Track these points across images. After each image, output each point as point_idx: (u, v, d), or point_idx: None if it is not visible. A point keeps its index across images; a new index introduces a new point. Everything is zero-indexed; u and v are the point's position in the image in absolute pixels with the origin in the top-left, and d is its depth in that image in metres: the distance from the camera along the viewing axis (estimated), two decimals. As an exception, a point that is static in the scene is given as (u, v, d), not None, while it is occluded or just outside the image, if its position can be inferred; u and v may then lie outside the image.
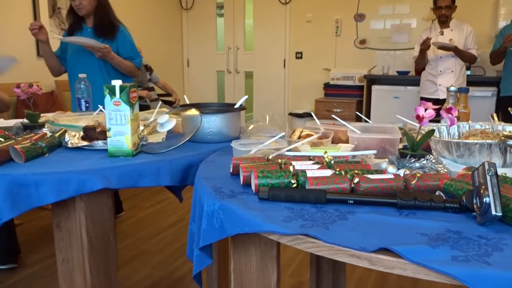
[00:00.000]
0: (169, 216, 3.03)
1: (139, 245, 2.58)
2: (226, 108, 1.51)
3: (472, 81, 3.83)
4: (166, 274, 2.23)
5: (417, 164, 0.94)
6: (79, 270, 1.17)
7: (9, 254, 2.28)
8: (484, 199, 0.68)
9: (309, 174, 0.86)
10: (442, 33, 3.57)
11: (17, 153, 1.12)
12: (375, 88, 4.48)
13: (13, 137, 1.27)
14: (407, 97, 4.32)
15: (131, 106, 1.18)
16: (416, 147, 0.97)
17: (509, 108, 1.33)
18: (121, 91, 1.17)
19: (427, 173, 0.90)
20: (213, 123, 1.40)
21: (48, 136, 1.28)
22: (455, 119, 0.92)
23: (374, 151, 1.03)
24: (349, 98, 4.66)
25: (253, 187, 0.87)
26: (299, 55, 5.34)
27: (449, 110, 0.92)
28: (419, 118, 0.93)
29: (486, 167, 0.69)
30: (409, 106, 4.21)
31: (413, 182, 0.84)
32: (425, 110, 0.93)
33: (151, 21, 5.25)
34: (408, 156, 0.95)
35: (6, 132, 1.31)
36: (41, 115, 1.59)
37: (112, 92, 1.17)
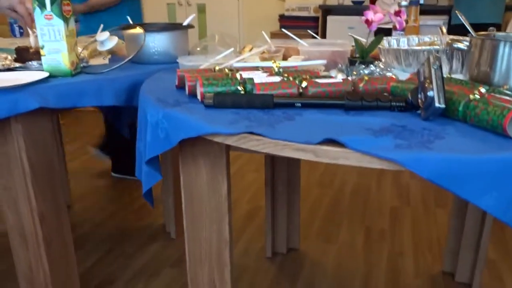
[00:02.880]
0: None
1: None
2: (172, 26, 1.43)
3: (425, 10, 3.83)
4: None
5: (366, 71, 0.93)
6: (23, 197, 1.12)
7: None
8: (428, 93, 0.68)
9: (257, 80, 0.83)
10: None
11: None
12: (330, 19, 4.41)
13: None
14: (362, 28, 4.25)
15: (65, 20, 1.08)
16: (365, 54, 0.96)
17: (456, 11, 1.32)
18: (52, 3, 1.06)
19: (375, 78, 0.90)
20: (158, 42, 1.32)
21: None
22: (404, 22, 0.91)
23: (324, 61, 1.01)
24: (305, 30, 4.57)
25: (198, 96, 0.83)
26: (253, -14, 5.12)
27: (398, 13, 0.90)
28: (368, 22, 0.91)
29: (431, 60, 0.69)
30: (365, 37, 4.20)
31: (361, 85, 0.83)
32: (375, 13, 0.90)
33: None
34: (358, 63, 0.94)
35: None
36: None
37: (42, 5, 1.06)
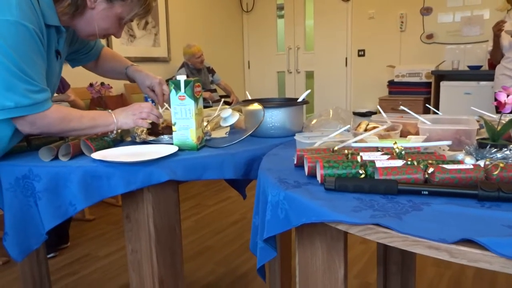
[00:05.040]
0: (231, 214, 3.07)
1: (203, 241, 2.63)
2: (288, 102, 1.50)
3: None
4: (229, 270, 2.25)
5: (498, 155, 0.86)
6: (147, 260, 1.20)
7: (54, 244, 2.47)
8: None
9: (378, 164, 0.82)
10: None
11: (87, 146, 1.18)
12: (443, 84, 4.25)
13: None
14: (479, 93, 4.05)
15: (195, 100, 1.20)
16: (497, 137, 0.89)
17: None
18: (185, 86, 1.19)
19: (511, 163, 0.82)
20: (275, 118, 1.38)
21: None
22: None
23: (449, 142, 0.96)
24: (416, 96, 4.45)
25: (318, 178, 0.84)
26: (361, 53, 5.19)
27: (536, 95, 0.83)
28: (501, 104, 0.85)
29: None
30: (482, 103, 3.95)
31: (496, 173, 0.77)
32: (508, 95, 0.85)
33: (213, 24, 5.37)
34: (489, 146, 0.87)
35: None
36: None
37: (177, 87, 1.19)
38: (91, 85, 1.52)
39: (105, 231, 2.82)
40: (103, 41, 1.55)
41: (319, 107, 5.53)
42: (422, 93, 4.45)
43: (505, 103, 0.84)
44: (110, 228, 2.87)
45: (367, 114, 4.83)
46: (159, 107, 1.48)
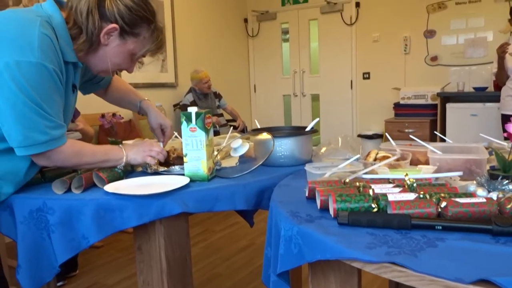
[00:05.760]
0: (239, 240, 3.05)
1: (211, 268, 2.61)
2: (297, 131, 1.51)
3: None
4: (238, 298, 2.23)
5: (511, 187, 0.86)
6: (158, 292, 1.20)
7: (62, 272, 2.44)
8: None
9: (391, 198, 0.82)
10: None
11: (100, 178, 1.19)
12: (450, 106, 4.26)
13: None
14: (486, 114, 4.05)
15: (206, 131, 1.22)
16: (508, 168, 0.90)
17: None
18: (196, 118, 1.21)
19: (523, 196, 0.82)
20: (285, 147, 1.39)
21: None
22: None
23: (460, 173, 0.96)
24: (422, 118, 4.46)
25: (331, 212, 0.84)
26: (366, 76, 5.23)
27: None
28: (511, 136, 0.86)
29: None
30: (489, 124, 3.95)
31: (509, 206, 0.77)
32: (518, 127, 0.86)
33: (220, 49, 5.45)
34: (500, 178, 0.88)
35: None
36: (123, 142, 1.68)
37: (189, 119, 1.21)
38: (103, 116, 1.55)
39: (113, 258, 2.81)
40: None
41: (324, 129, 5.54)
42: (428, 115, 4.47)
43: (515, 135, 0.85)
44: (118, 255, 2.86)
45: (373, 137, 4.83)
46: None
